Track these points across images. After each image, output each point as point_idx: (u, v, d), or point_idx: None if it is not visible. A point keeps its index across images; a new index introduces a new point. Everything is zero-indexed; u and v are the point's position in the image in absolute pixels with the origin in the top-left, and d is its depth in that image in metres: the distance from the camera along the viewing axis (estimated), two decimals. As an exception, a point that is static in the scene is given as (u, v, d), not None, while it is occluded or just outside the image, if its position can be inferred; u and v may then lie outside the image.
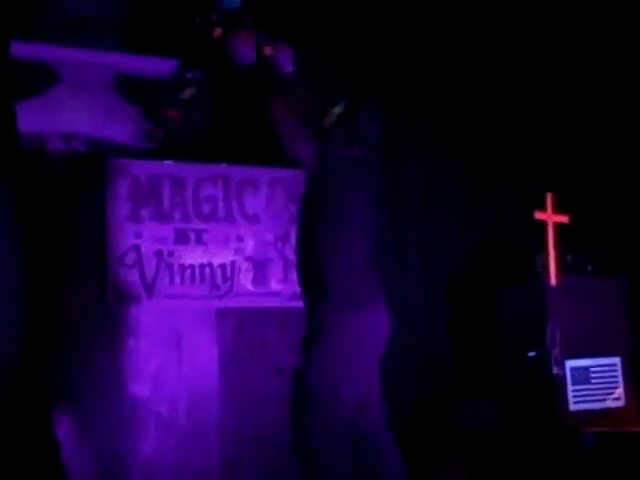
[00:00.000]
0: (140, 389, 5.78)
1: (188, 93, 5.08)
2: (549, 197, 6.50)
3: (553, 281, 6.34)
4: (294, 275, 4.87)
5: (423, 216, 6.93)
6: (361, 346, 4.44)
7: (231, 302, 6.02)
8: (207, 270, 5.98)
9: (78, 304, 5.66)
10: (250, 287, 6.07)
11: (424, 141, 7.05)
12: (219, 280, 6.00)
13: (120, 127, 6.03)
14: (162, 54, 6.12)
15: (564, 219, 6.50)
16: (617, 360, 6.38)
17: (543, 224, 6.45)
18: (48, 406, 5.14)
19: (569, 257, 6.53)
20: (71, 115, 5.94)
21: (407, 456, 4.61)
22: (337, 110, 4.65)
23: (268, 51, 5.54)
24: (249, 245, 6.08)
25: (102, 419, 5.60)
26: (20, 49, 5.55)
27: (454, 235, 7.01)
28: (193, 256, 5.95)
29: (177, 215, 5.95)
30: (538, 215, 6.46)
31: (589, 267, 6.56)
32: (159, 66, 6.14)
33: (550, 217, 6.47)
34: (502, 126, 7.22)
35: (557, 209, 6.49)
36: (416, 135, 7.02)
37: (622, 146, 7.07)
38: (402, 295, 6.65)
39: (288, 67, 5.18)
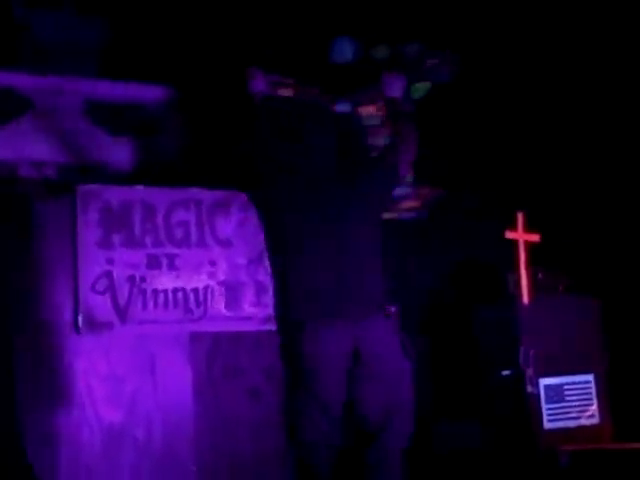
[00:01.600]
0: (115, 414, 5.77)
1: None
2: (520, 216, 6.55)
3: (525, 300, 6.37)
4: (267, 298, 4.87)
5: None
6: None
7: (205, 326, 6.01)
8: (180, 295, 5.97)
9: (51, 331, 5.67)
10: (224, 311, 6.06)
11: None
12: (192, 304, 5.99)
13: (91, 153, 6.03)
14: (135, 79, 6.15)
15: (535, 238, 6.54)
16: (591, 377, 6.41)
17: (514, 243, 6.49)
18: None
19: (541, 276, 6.57)
20: (42, 142, 5.93)
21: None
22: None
23: None
24: (222, 269, 6.07)
25: (76, 446, 5.60)
26: (-10, 76, 5.58)
27: (428, 254, 7.02)
28: (166, 281, 5.95)
29: (149, 240, 5.95)
30: (509, 234, 6.50)
31: (560, 287, 6.60)
32: (133, 92, 6.16)
33: (521, 236, 6.51)
34: (473, 144, 7.24)
35: (528, 228, 6.53)
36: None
37: (594, 164, 7.11)
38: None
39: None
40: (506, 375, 6.28)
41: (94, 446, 5.66)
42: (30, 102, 5.94)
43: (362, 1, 6.29)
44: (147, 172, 6.13)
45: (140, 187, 6.00)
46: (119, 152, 6.17)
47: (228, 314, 6.06)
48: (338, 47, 5.34)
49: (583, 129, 7.15)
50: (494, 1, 6.82)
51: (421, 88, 5.54)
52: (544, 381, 6.27)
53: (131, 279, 5.86)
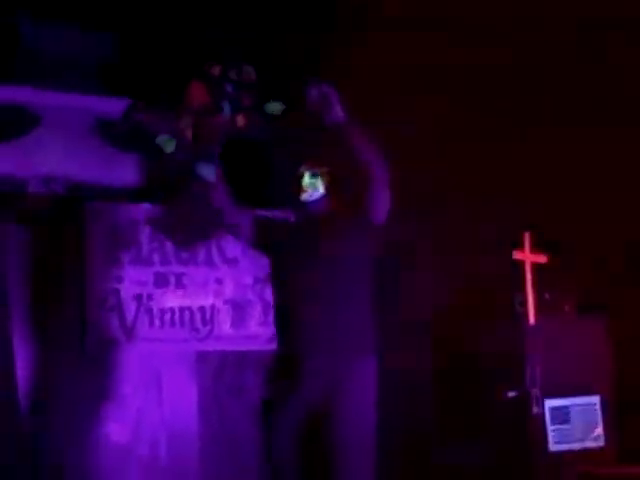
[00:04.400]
0: (121, 432, 5.78)
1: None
2: (527, 236, 6.54)
3: (532, 320, 6.37)
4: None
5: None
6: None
7: (211, 345, 6.03)
8: (187, 313, 5.99)
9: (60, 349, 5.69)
10: (229, 330, 6.08)
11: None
12: (199, 323, 6.02)
13: (100, 170, 6.05)
14: (142, 97, 6.16)
15: (542, 259, 6.54)
16: (596, 399, 6.40)
17: (521, 264, 6.49)
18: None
19: (547, 296, 6.56)
20: (51, 158, 5.95)
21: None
22: None
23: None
24: (228, 288, 6.09)
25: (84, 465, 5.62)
26: (-1, 92, 5.60)
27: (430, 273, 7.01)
28: (173, 299, 5.97)
29: (156, 259, 5.97)
30: (516, 255, 6.49)
31: (566, 307, 6.60)
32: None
33: (528, 257, 6.51)
34: (479, 162, 7.22)
35: (535, 249, 6.52)
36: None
37: (599, 184, 7.10)
38: (383, 339, 6.65)
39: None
40: (512, 396, 6.27)
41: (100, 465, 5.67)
42: (39, 118, 5.95)
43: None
44: (154, 190, 6.14)
45: (148, 205, 6.02)
46: (127, 169, 6.18)
47: (234, 333, 6.07)
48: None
49: (587, 148, 7.13)
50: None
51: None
52: (550, 402, 6.25)
53: (138, 297, 5.88)
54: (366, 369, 4.48)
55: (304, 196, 4.56)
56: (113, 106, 6.13)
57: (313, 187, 4.56)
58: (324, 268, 4.42)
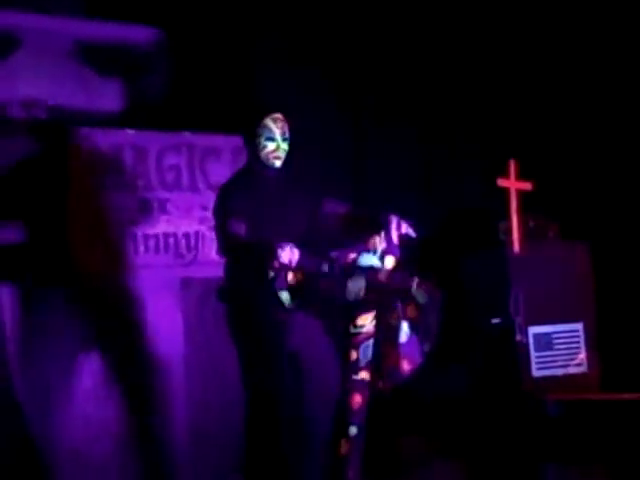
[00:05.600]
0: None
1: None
2: (512, 164, 6.52)
3: (516, 249, 6.37)
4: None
5: (386, 185, 6.90)
6: None
7: (196, 271, 6.00)
8: (171, 239, 5.95)
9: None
10: (215, 256, 6.03)
11: (384, 107, 7.02)
12: (183, 249, 5.98)
13: (82, 95, 5.97)
14: (124, 20, 6.07)
15: (527, 186, 6.52)
16: (579, 326, 6.43)
17: (506, 191, 6.47)
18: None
19: (532, 224, 6.56)
20: (31, 82, 5.86)
21: (372, 429, 4.64)
22: None
23: None
24: (213, 214, 6.04)
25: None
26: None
27: (416, 204, 6.99)
28: (157, 225, 5.92)
29: (140, 184, 5.91)
30: (501, 182, 6.47)
31: (550, 233, 6.60)
32: (123, 33, 6.08)
33: (513, 184, 6.49)
34: (464, 92, 7.19)
35: (520, 176, 6.51)
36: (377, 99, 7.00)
37: (584, 112, 7.08)
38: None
39: None
40: (495, 323, 6.29)
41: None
42: (19, 41, 5.85)
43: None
44: (137, 114, 6.07)
45: (131, 130, 5.95)
46: (109, 93, 6.11)
47: (219, 259, 6.02)
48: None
49: (573, 77, 7.11)
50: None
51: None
52: (533, 329, 6.28)
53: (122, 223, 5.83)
54: None
55: None
56: (95, 29, 6.04)
57: None
58: None
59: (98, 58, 6.08)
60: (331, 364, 4.57)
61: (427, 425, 6.16)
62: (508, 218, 6.43)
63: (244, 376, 4.61)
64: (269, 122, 4.62)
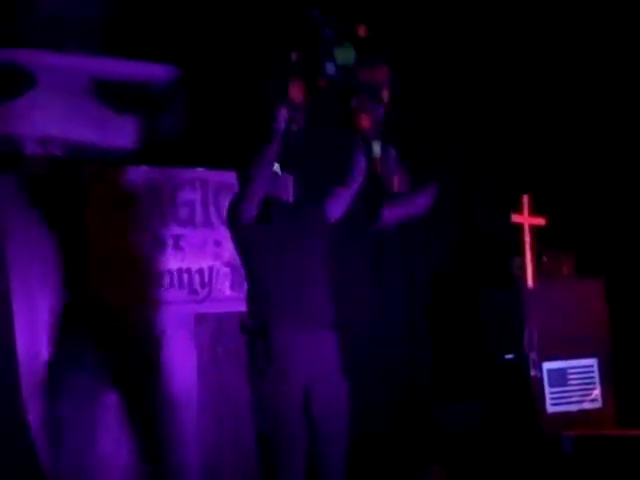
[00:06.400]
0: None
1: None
2: (525, 199, 6.53)
3: (530, 284, 6.37)
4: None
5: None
6: None
7: (209, 307, 6.02)
8: (185, 275, 5.97)
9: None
10: (228, 292, 6.06)
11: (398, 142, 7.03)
12: (197, 285, 6.00)
13: (97, 132, 6.00)
14: (139, 57, 6.11)
15: (540, 221, 6.52)
16: (594, 361, 6.41)
17: (520, 227, 6.48)
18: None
19: (545, 259, 6.56)
20: (47, 119, 5.90)
21: (391, 460, 4.63)
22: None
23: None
24: (227, 250, 6.04)
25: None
26: (-4, 53, 5.55)
27: (429, 240, 6.99)
28: (171, 262, 5.95)
29: (154, 221, 5.94)
30: (515, 218, 6.48)
31: (564, 269, 6.60)
32: (138, 70, 6.13)
33: (526, 220, 6.49)
34: (477, 127, 7.21)
35: (533, 211, 6.51)
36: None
37: (598, 147, 7.08)
38: (381, 298, 6.66)
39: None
40: (509, 359, 6.28)
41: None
42: (35, 78, 5.89)
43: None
44: (152, 152, 6.11)
45: (145, 167, 5.98)
46: (124, 130, 6.14)
47: (233, 295, 6.05)
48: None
49: (587, 112, 7.12)
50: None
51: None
52: (547, 365, 6.27)
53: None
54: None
55: None
56: (111, 67, 6.08)
57: None
58: None
59: (114, 95, 6.11)
60: (343, 402, 4.55)
61: (447, 456, 6.15)
62: (522, 254, 6.43)
63: (260, 415, 4.60)
64: None
